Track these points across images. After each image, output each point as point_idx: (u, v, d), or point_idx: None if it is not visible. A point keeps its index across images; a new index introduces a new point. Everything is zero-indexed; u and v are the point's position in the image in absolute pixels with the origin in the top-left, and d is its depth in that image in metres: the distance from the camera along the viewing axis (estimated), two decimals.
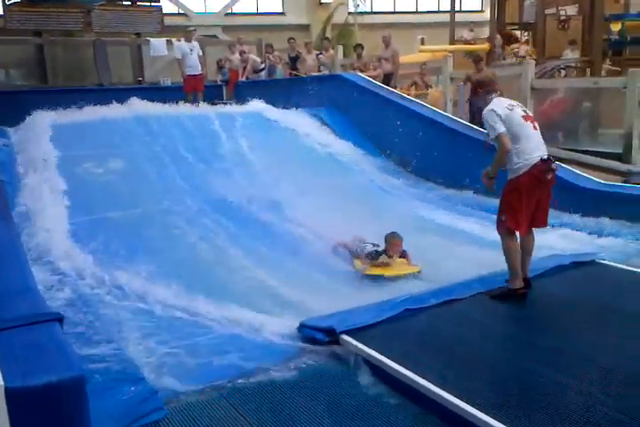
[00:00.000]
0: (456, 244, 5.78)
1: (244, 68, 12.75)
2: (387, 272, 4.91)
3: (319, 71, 11.49)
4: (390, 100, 8.87)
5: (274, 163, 7.83)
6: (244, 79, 12.74)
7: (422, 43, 15.79)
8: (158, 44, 14.35)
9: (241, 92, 12.37)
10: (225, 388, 3.23)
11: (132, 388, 3.05)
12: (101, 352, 3.45)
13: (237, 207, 6.70)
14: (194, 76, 10.92)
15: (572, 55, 12.86)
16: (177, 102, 9.11)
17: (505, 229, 4.12)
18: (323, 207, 6.52)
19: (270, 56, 12.85)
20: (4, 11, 13.78)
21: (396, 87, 10.22)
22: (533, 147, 4.08)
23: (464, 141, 7.81)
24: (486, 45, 16.09)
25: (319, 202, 6.36)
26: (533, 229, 4.24)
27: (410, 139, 8.54)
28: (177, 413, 3.01)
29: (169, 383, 3.26)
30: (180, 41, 11.22)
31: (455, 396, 2.91)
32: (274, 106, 9.51)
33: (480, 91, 4.07)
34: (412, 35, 17.70)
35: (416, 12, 23.62)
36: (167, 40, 14.48)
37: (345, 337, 3.56)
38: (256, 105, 9.62)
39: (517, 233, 4.18)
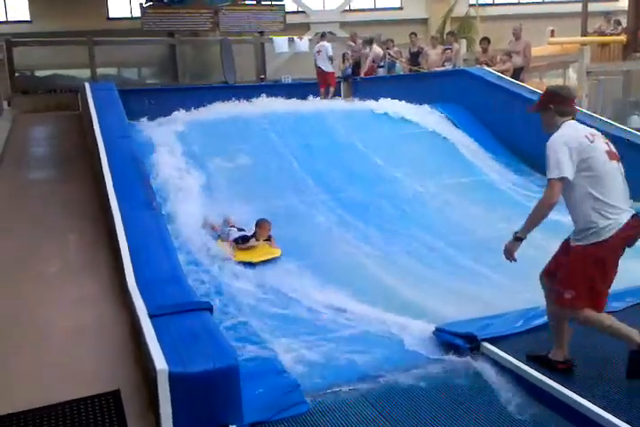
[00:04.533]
0: None
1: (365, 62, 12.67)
2: (254, 259, 5.21)
3: (443, 66, 11.19)
4: (525, 96, 8.29)
5: (401, 160, 7.78)
6: (362, 75, 12.70)
7: (552, 35, 14.88)
8: (281, 42, 14.65)
9: (360, 88, 12.35)
10: (364, 386, 3.22)
11: (276, 380, 3.13)
12: (243, 343, 3.57)
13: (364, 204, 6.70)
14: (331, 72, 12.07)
15: None
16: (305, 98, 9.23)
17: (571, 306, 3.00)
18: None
19: (390, 51, 12.69)
20: (141, 13, 14.71)
21: (524, 82, 9.70)
22: (621, 199, 2.98)
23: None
24: (623, 37, 14.90)
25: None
26: None
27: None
28: (316, 407, 3.04)
29: (307, 378, 3.31)
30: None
31: (610, 413, 2.72)
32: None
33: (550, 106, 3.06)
34: (538, 26, 16.75)
35: (542, 3, 22.44)
36: (289, 38, 14.77)
37: (487, 345, 3.42)
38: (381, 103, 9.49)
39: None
